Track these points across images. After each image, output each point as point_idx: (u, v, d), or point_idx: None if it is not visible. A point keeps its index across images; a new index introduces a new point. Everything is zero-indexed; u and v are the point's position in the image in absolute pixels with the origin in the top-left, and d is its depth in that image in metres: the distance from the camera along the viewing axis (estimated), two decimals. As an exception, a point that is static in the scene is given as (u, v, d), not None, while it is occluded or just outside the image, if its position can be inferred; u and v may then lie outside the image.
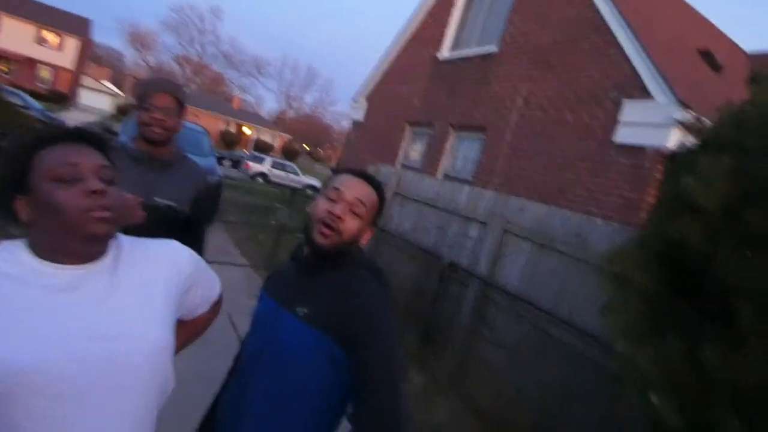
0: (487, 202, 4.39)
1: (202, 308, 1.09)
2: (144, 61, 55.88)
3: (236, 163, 22.42)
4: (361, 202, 1.11)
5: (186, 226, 1.71)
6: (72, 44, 32.84)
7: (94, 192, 0.79)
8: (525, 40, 6.61)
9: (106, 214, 0.80)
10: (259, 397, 1.07)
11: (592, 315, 3.19)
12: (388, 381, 0.98)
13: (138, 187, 1.50)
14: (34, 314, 0.75)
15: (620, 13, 5.29)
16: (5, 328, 0.72)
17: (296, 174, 21.37)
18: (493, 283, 3.94)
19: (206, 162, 6.88)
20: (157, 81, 1.74)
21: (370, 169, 6.47)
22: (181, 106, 1.69)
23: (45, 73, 31.91)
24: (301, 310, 1.05)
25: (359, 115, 10.54)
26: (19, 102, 11.79)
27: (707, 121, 2.27)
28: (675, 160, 2.30)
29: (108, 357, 0.78)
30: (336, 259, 1.10)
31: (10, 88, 15.24)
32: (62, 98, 29.51)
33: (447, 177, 7.34)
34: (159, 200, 1.61)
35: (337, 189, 1.11)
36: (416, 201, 5.31)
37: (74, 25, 33.41)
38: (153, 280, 0.90)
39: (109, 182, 0.83)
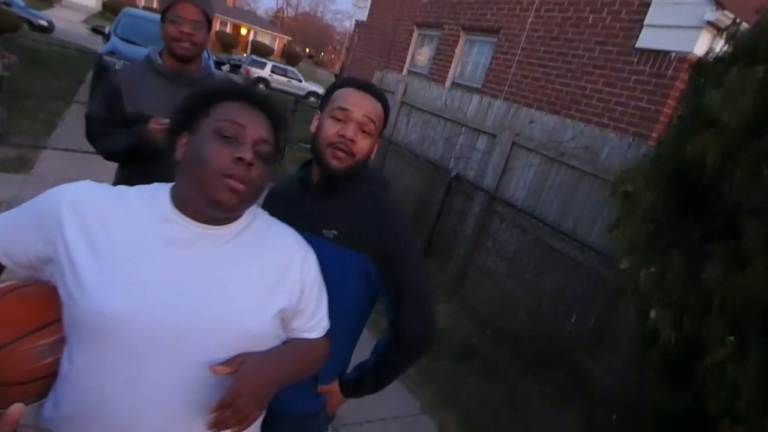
0: (496, 112, 4.23)
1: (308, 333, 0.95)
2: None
3: (234, 68, 21.37)
4: (370, 120, 1.07)
5: None
6: (48, -68, 29.86)
7: (241, 159, 0.77)
8: (548, -75, 5.89)
9: (240, 186, 0.78)
10: None
11: (596, 228, 3.23)
12: (423, 289, 1.11)
13: (170, 107, 1.43)
14: (144, 263, 0.75)
15: None
16: (111, 274, 0.73)
17: (299, 80, 20.28)
18: (499, 197, 3.94)
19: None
20: None
21: (375, 77, 6.17)
22: (208, 20, 1.59)
23: (23, -34, 29.44)
24: (330, 233, 1.06)
25: (362, 14, 9.85)
26: (-1, 0, 11.02)
27: (744, 25, 2.08)
28: (701, 68, 2.15)
29: (189, 327, 0.75)
30: (350, 179, 1.09)
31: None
32: (45, -5, 27.49)
33: (455, 84, 7.02)
34: None
35: (343, 108, 1.06)
36: (423, 111, 5.14)
37: None
38: (268, 267, 0.86)
39: (263, 158, 0.82)
